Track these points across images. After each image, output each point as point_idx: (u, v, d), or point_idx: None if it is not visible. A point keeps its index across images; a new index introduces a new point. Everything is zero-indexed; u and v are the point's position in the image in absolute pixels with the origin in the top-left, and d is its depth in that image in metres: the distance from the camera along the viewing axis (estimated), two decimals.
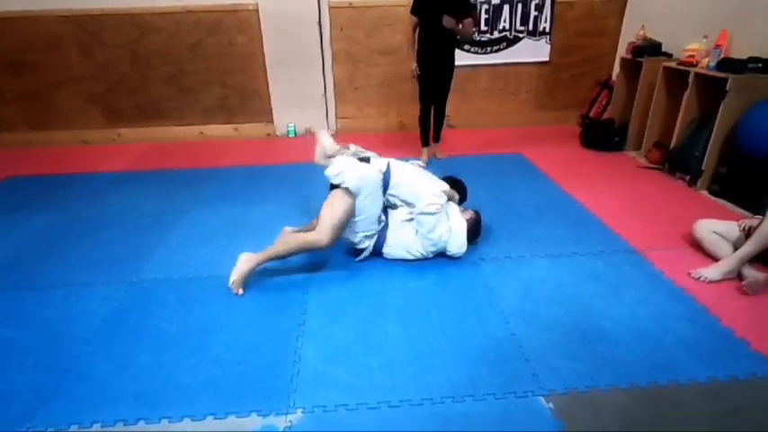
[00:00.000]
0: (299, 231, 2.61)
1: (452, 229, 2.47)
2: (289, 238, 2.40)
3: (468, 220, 2.54)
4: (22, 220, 3.10)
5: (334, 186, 2.39)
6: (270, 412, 1.64)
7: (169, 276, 2.45)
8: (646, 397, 1.67)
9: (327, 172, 2.38)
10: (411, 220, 2.50)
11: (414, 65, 3.79)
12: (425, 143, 4.07)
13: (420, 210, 2.41)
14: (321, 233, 2.29)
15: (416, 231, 2.47)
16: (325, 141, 2.55)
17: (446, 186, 2.60)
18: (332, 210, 2.32)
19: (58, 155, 4.48)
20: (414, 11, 3.72)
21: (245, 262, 2.29)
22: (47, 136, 4.74)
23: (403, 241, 2.48)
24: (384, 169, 2.49)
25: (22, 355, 1.92)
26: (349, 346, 1.94)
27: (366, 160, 2.51)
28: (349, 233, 2.43)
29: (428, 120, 3.98)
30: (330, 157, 2.49)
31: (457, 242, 2.47)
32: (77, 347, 1.95)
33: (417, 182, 2.52)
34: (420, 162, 2.95)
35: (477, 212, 2.65)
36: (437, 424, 1.59)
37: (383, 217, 2.50)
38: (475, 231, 2.61)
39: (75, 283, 2.40)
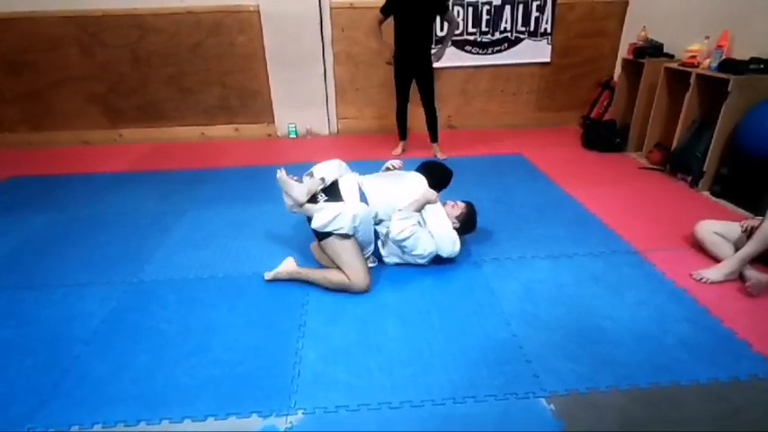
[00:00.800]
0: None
1: (436, 235, 2.39)
2: (333, 276, 2.27)
3: (458, 216, 2.50)
4: (22, 220, 3.10)
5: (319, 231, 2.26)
6: (270, 413, 1.63)
7: (169, 277, 2.45)
8: (646, 398, 1.67)
9: (315, 225, 2.22)
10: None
11: (388, 54, 3.91)
12: (402, 137, 4.28)
13: (392, 238, 2.34)
14: (358, 280, 2.22)
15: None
16: (294, 192, 2.27)
17: (418, 192, 2.42)
18: (345, 257, 2.23)
19: (59, 155, 4.48)
20: (385, 10, 3.76)
21: (286, 272, 2.35)
22: (48, 136, 4.74)
23: (396, 251, 2.46)
24: (359, 197, 2.36)
25: (22, 355, 1.92)
26: (349, 346, 1.94)
27: (334, 191, 2.34)
28: None
29: (404, 115, 4.19)
30: (303, 204, 2.29)
31: (446, 245, 2.39)
32: (77, 348, 1.95)
33: (390, 199, 2.41)
34: (395, 163, 2.79)
35: (468, 204, 2.58)
36: (437, 425, 1.58)
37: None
38: (470, 224, 2.56)
39: (74, 284, 2.40)
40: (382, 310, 2.16)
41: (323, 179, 2.36)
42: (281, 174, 2.31)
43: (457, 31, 4.62)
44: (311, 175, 2.39)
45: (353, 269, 2.24)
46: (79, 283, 2.41)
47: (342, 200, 2.31)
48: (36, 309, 2.21)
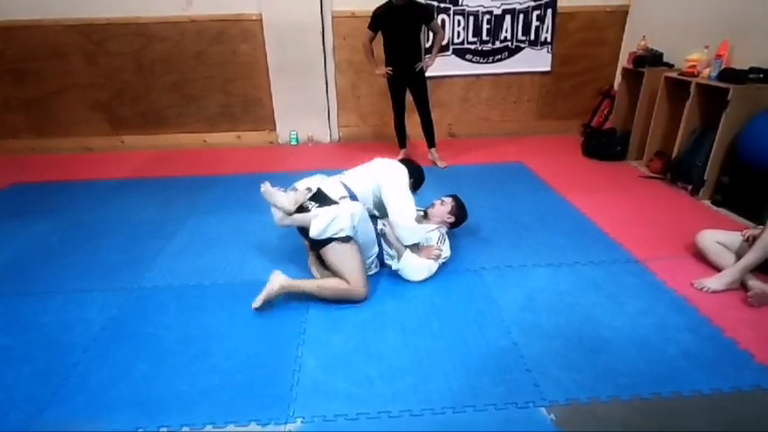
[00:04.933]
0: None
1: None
2: (330, 284, 2.23)
3: (450, 211, 2.58)
4: (23, 226, 3.11)
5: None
6: (269, 421, 1.62)
7: (170, 284, 2.44)
8: (648, 408, 1.66)
9: (313, 233, 2.17)
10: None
11: (382, 69, 3.96)
12: (402, 146, 4.32)
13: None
14: (357, 286, 2.20)
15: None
16: (281, 202, 2.25)
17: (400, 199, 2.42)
18: (349, 262, 2.20)
19: (62, 162, 4.50)
20: (373, 26, 3.84)
21: (277, 286, 2.18)
22: (51, 143, 4.77)
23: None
24: (346, 194, 2.38)
25: (21, 362, 1.91)
26: (349, 354, 1.93)
27: (322, 197, 2.33)
28: None
29: (402, 125, 4.23)
30: (292, 213, 2.27)
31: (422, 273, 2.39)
32: (76, 355, 1.94)
33: (370, 185, 2.48)
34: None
35: (454, 197, 2.65)
36: None
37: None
38: (462, 216, 2.65)
39: (74, 290, 2.40)
40: (382, 318, 2.15)
41: (309, 189, 2.36)
42: (266, 186, 2.28)
43: (457, 40, 4.66)
44: (295, 189, 2.38)
45: (354, 275, 2.21)
46: (79, 289, 2.41)
47: (333, 202, 2.31)
48: (36, 315, 2.20)
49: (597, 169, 4.09)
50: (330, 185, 2.40)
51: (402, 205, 2.39)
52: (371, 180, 2.47)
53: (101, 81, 4.61)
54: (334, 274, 2.27)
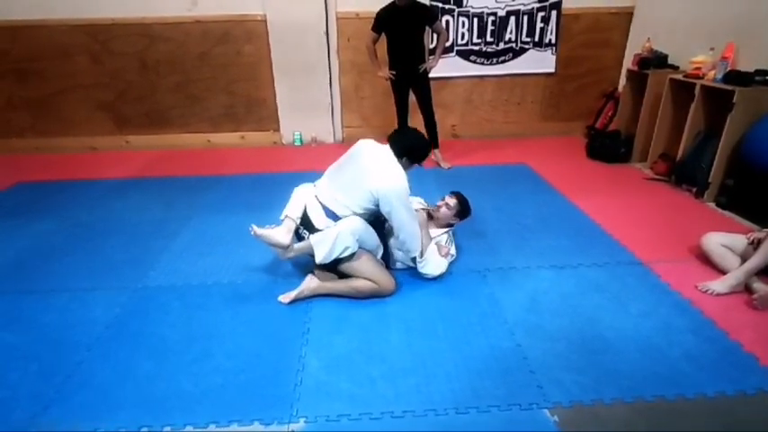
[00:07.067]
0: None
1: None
2: (360, 285, 2.25)
3: (456, 214, 2.56)
4: (27, 225, 3.12)
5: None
6: (272, 421, 1.63)
7: (173, 283, 2.45)
8: (651, 411, 1.65)
9: (320, 259, 2.17)
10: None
11: (385, 72, 3.96)
12: None
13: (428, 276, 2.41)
14: (384, 284, 2.26)
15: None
16: (275, 238, 2.21)
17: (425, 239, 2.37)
18: (366, 269, 2.24)
19: (66, 161, 4.52)
20: (376, 28, 3.83)
21: (309, 289, 2.27)
22: (55, 142, 4.78)
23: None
24: (324, 213, 2.30)
25: (25, 360, 1.92)
26: (352, 355, 1.93)
27: (310, 225, 2.26)
28: None
29: (406, 126, 4.16)
30: (290, 245, 2.24)
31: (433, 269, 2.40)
32: (80, 354, 1.95)
33: (347, 190, 2.29)
34: None
35: (456, 195, 2.62)
36: None
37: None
38: (466, 213, 2.64)
39: (78, 289, 2.40)
40: (386, 319, 2.15)
41: (287, 216, 2.29)
42: (255, 229, 2.23)
43: (461, 41, 4.66)
44: (284, 220, 2.31)
45: (377, 276, 2.25)
46: (83, 288, 2.41)
47: (314, 226, 2.24)
48: (40, 314, 2.21)
49: (601, 171, 4.08)
50: (314, 213, 2.28)
51: (410, 233, 2.26)
52: (362, 196, 2.21)
53: (105, 81, 4.62)
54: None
